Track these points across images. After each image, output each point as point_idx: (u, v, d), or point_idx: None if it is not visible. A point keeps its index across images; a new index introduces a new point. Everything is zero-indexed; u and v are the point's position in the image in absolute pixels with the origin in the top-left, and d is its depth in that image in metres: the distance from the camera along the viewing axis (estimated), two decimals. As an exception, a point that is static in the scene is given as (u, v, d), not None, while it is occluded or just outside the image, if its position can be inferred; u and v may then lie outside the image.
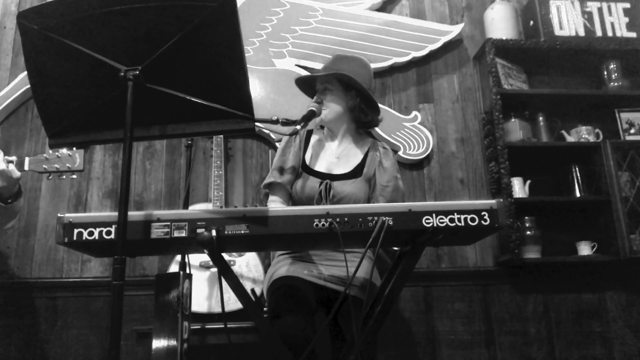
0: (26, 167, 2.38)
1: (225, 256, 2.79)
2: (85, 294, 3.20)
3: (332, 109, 2.49)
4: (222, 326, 2.68)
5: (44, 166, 2.39)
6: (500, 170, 3.35)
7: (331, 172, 2.46)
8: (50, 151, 2.44)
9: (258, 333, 2.68)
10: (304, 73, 3.44)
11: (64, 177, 2.45)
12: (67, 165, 2.41)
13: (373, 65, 3.58)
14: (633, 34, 3.74)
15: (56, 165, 2.41)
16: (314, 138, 2.60)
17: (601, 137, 3.60)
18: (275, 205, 2.43)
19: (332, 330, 2.30)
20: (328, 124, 2.55)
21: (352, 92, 2.48)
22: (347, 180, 2.43)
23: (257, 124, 1.77)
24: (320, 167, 2.49)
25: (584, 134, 3.59)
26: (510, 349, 3.28)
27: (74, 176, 2.51)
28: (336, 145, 2.56)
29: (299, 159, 2.51)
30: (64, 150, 2.41)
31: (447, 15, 3.92)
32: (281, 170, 2.46)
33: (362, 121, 2.53)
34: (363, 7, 3.77)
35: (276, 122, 2.29)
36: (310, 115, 2.40)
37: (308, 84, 2.62)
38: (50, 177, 2.45)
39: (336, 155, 2.52)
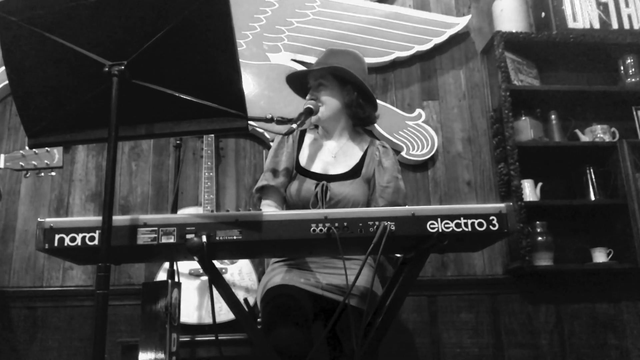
0: (1, 165, 2.38)
1: (217, 263, 2.79)
2: (67, 304, 3.20)
3: (328, 105, 2.49)
4: (213, 338, 2.68)
5: (21, 163, 2.40)
6: (509, 172, 3.35)
7: (327, 173, 2.46)
8: (27, 147, 2.44)
9: (251, 345, 2.68)
10: (301, 68, 3.45)
11: (42, 174, 2.46)
12: (46, 162, 2.41)
13: (374, 60, 3.62)
14: (651, 27, 3.75)
15: (34, 162, 2.41)
16: (308, 137, 2.60)
17: (617, 136, 3.61)
18: (270, 209, 2.43)
19: (331, 342, 2.30)
20: (324, 122, 2.54)
21: (348, 87, 2.48)
22: (344, 181, 2.43)
23: (250, 122, 1.77)
24: (315, 167, 2.49)
25: (599, 133, 3.59)
26: (520, 363, 3.29)
27: (53, 173, 2.52)
28: (333, 144, 2.56)
29: (293, 160, 2.51)
30: None
31: (453, 7, 3.92)
32: (274, 172, 2.46)
33: (360, 117, 2.54)
34: (363, -2, 3.79)
35: (271, 120, 2.29)
36: (308, 112, 2.40)
37: (300, 82, 2.62)
38: (27, 175, 2.45)
39: (333, 155, 2.52)
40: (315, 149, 2.55)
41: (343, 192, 2.38)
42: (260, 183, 2.47)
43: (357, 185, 2.43)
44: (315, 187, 2.38)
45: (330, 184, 2.39)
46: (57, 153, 2.43)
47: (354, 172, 2.47)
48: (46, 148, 2.41)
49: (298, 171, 2.48)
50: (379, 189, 2.44)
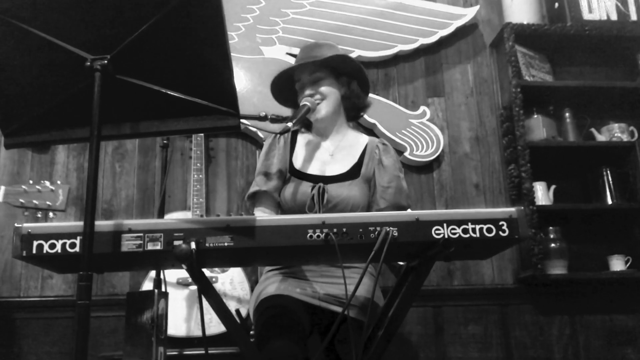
0: (0, 199, 2.41)
1: (206, 272, 2.79)
2: (46, 315, 3.19)
3: (330, 98, 2.46)
4: (203, 352, 2.68)
5: (21, 200, 2.41)
6: (520, 174, 3.36)
7: (324, 174, 2.45)
8: (31, 182, 2.46)
9: (243, 360, 2.68)
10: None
11: (40, 215, 2.47)
12: (48, 202, 2.43)
13: (375, 54, 3.63)
14: (672, 19, 3.76)
15: (35, 201, 2.43)
16: (301, 138, 2.59)
17: (636, 135, 3.62)
18: (263, 215, 2.43)
19: (329, 356, 2.30)
20: (323, 120, 2.52)
21: (343, 78, 2.50)
22: (343, 182, 2.42)
23: (242, 120, 1.78)
24: (312, 169, 2.47)
25: (616, 132, 3.60)
26: (532, 378, 3.30)
27: (52, 215, 2.52)
28: (329, 142, 2.55)
29: (286, 162, 2.50)
30: (47, 184, 2.43)
31: (460, -3, 3.94)
32: (266, 176, 2.45)
33: (358, 107, 2.57)
34: (364, -12, 3.79)
35: (264, 118, 2.29)
36: (305, 111, 2.39)
37: (282, 88, 2.59)
38: (26, 214, 2.46)
39: (330, 153, 2.51)
40: (311, 149, 2.54)
41: (341, 194, 2.37)
42: (251, 189, 2.46)
43: (357, 187, 2.42)
44: (312, 189, 2.38)
45: (327, 186, 2.38)
46: (61, 194, 2.44)
47: (353, 172, 2.46)
48: (51, 187, 2.43)
49: (292, 174, 2.48)
50: (380, 190, 2.44)
